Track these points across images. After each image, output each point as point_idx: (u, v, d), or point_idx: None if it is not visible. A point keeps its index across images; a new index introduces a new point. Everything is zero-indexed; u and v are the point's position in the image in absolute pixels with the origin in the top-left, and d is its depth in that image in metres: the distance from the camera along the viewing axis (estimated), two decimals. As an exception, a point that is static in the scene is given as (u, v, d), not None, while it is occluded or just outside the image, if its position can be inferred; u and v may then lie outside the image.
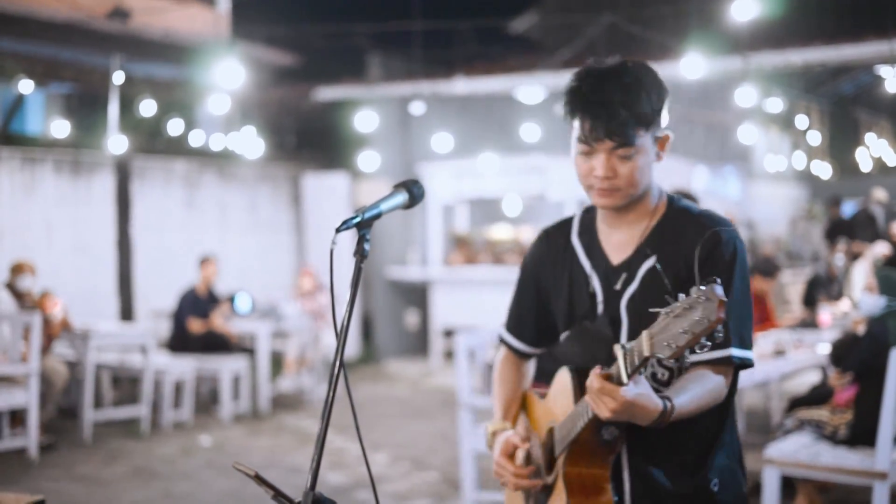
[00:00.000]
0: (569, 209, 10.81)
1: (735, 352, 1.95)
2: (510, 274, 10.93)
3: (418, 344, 12.00)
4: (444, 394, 9.22)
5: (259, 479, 1.74)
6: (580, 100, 1.98)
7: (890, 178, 17.41)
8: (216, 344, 8.36)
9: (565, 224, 2.22)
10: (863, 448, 4.47)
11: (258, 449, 7.17)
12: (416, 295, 11.98)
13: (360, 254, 1.80)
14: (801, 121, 15.92)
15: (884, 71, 9.82)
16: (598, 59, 2.02)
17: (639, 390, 1.76)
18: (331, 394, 1.73)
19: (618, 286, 2.06)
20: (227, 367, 8.14)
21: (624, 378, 1.74)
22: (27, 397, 6.61)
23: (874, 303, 4.94)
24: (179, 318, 8.41)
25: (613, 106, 1.93)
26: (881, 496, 4.21)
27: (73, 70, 9.70)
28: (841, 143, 18.86)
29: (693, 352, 1.65)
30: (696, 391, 1.89)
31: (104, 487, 6.10)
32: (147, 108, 9.62)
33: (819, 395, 5.36)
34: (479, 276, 11.14)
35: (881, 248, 7.90)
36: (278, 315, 8.86)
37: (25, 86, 9.05)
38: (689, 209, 2.07)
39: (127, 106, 9.49)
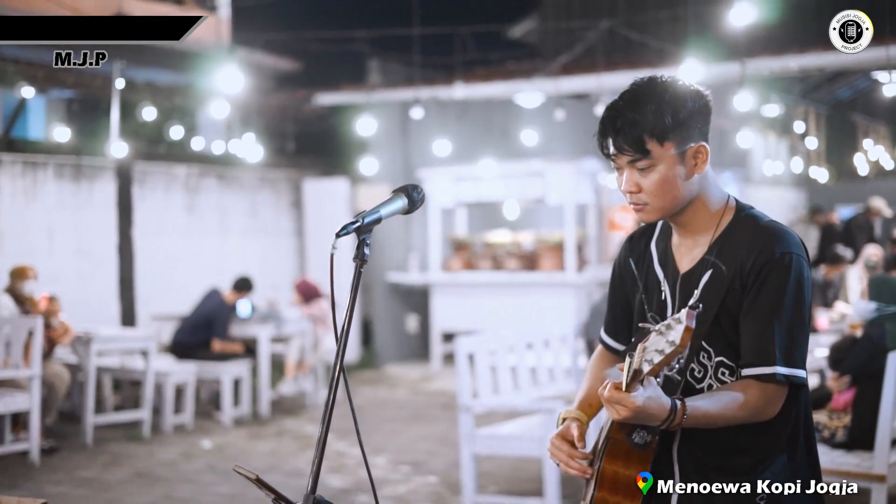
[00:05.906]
0: (568, 213, 10.83)
1: (780, 369, 1.93)
2: (509, 278, 11.01)
3: (418, 348, 12.02)
4: (444, 397, 9.24)
5: (260, 483, 1.76)
6: (600, 120, 2.04)
7: (887, 182, 17.42)
8: (227, 356, 8.37)
9: (649, 229, 2.24)
10: (861, 451, 4.49)
11: (259, 453, 7.19)
12: (416, 299, 12.00)
13: (361, 258, 1.83)
14: (799, 126, 15.94)
15: (881, 76, 9.85)
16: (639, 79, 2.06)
17: (647, 394, 1.82)
18: (331, 398, 1.75)
19: (683, 294, 2.09)
20: (227, 371, 8.16)
21: (623, 386, 1.81)
22: (29, 401, 6.64)
23: (865, 307, 4.97)
24: (212, 326, 8.36)
25: (619, 120, 1.98)
26: (879, 499, 4.22)
27: (75, 76, 9.70)
28: (838, 148, 18.86)
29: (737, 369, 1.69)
30: (715, 398, 1.93)
31: (106, 491, 6.12)
32: (148, 113, 9.65)
33: (817, 399, 5.38)
34: (479, 281, 11.17)
35: (872, 251, 7.95)
36: (279, 319, 8.88)
37: (27, 91, 9.07)
38: (756, 218, 2.05)
39: (128, 111, 9.50)
